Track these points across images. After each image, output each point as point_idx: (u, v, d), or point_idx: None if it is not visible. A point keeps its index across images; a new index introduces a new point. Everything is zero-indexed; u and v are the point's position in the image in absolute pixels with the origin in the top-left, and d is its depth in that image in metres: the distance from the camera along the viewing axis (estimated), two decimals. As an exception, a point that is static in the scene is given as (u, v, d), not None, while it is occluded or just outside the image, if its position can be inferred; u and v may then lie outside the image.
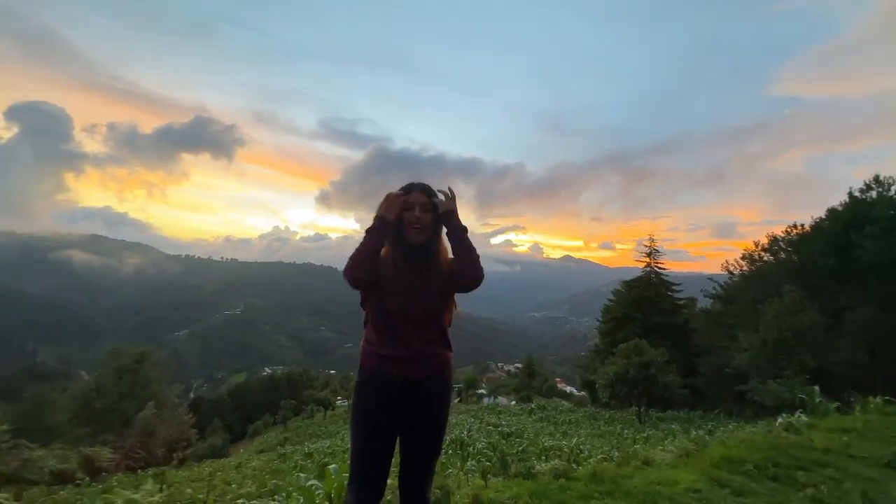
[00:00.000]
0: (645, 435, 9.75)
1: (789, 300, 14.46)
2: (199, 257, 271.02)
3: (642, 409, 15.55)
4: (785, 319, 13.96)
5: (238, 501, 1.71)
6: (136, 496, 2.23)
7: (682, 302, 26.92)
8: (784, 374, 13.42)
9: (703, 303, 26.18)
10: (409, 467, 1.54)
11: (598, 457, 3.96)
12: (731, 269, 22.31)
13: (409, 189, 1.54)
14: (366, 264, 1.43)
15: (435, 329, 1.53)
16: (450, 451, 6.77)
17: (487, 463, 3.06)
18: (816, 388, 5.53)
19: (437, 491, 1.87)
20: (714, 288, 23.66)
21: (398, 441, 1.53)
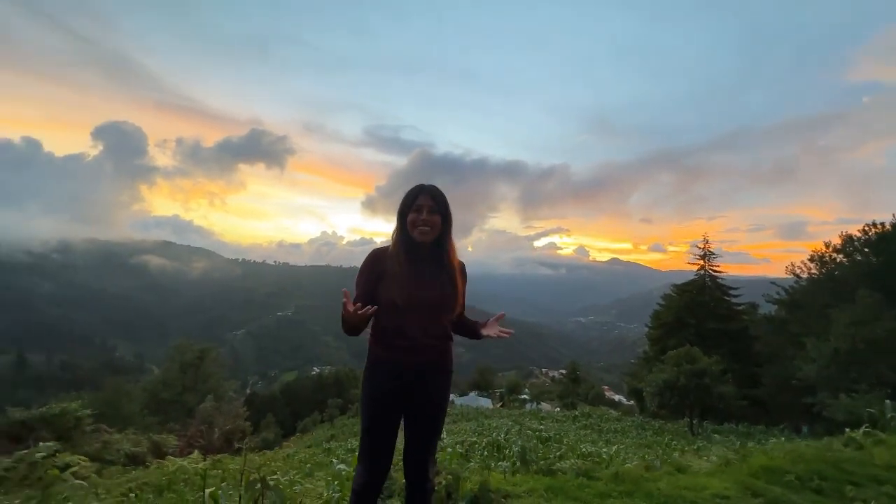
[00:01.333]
0: (695, 447, 9.21)
1: (864, 306, 13.10)
2: (254, 261, 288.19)
3: (695, 420, 14.66)
4: (859, 328, 12.66)
5: (273, 476, 1.89)
6: (184, 462, 2.49)
7: (741, 307, 25.09)
8: (858, 387, 12.17)
9: (766, 308, 24.26)
10: (412, 446, 1.68)
11: (634, 462, 3.85)
12: (798, 271, 20.56)
13: (418, 191, 1.65)
14: (357, 333, 1.58)
15: (438, 321, 1.65)
16: (486, 453, 6.77)
17: (517, 463, 3.07)
18: (888, 402, 5.02)
19: (449, 476, 1.96)
20: (778, 293, 21.89)
21: (403, 424, 1.66)
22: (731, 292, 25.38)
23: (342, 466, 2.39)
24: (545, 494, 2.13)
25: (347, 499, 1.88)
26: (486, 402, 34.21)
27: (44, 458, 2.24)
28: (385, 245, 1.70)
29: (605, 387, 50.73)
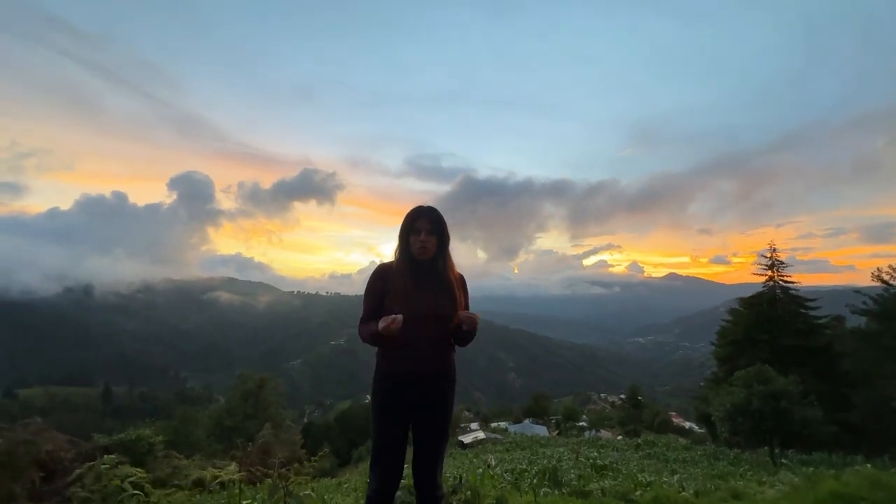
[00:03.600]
0: (774, 486, 8.24)
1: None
2: (308, 293, 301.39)
3: (777, 449, 13.11)
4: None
5: (306, 492, 1.99)
6: (220, 472, 2.67)
7: (822, 320, 22.56)
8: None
9: (854, 322, 21.60)
10: (421, 454, 1.76)
11: (691, 491, 3.55)
12: (887, 277, 18.28)
13: (417, 215, 1.80)
14: (379, 344, 1.77)
15: (440, 332, 1.76)
16: (535, 481, 6.50)
17: (548, 483, 2.94)
18: None
19: (468, 492, 1.94)
20: (864, 302, 19.48)
21: (411, 433, 1.74)
22: (809, 304, 22.98)
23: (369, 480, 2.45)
24: (575, 515, 2.04)
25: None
26: (541, 430, 32.84)
27: (108, 469, 2.52)
28: (390, 262, 1.85)
29: (673, 413, 46.87)
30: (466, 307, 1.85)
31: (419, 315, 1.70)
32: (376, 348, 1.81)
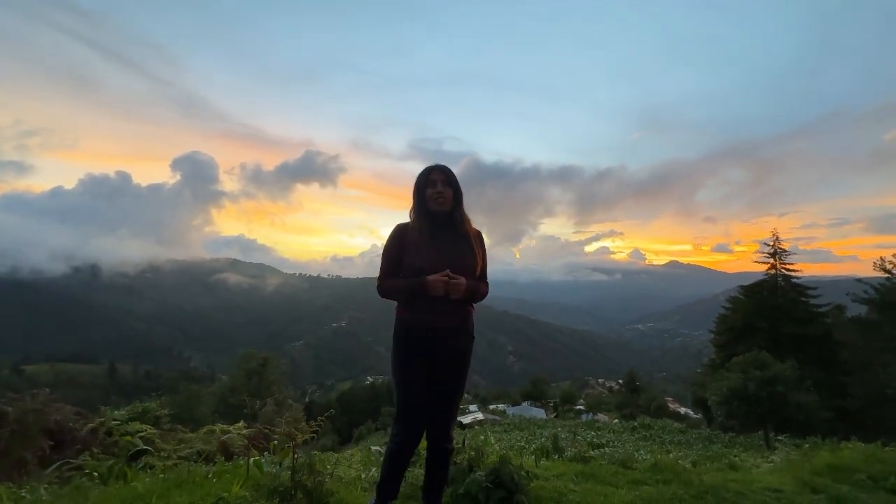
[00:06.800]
0: (769, 460, 8.38)
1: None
2: (310, 275, 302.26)
3: (771, 433, 13.30)
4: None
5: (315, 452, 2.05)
6: (230, 428, 2.74)
7: (822, 309, 22.62)
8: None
9: (855, 310, 21.65)
10: (435, 407, 1.80)
11: (688, 462, 3.61)
12: (889, 266, 18.22)
13: (431, 169, 1.85)
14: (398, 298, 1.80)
15: None
16: (532, 458, 6.64)
17: (549, 450, 3.00)
18: None
19: (472, 452, 2.00)
20: (866, 291, 19.48)
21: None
22: (809, 293, 23.01)
23: (377, 448, 2.49)
24: (575, 479, 2.09)
25: (378, 465, 1.97)
26: (538, 413, 33.33)
27: (118, 425, 2.59)
28: (407, 222, 1.89)
29: (669, 399, 47.43)
30: (484, 262, 1.88)
31: (438, 268, 1.70)
32: (395, 304, 1.84)
